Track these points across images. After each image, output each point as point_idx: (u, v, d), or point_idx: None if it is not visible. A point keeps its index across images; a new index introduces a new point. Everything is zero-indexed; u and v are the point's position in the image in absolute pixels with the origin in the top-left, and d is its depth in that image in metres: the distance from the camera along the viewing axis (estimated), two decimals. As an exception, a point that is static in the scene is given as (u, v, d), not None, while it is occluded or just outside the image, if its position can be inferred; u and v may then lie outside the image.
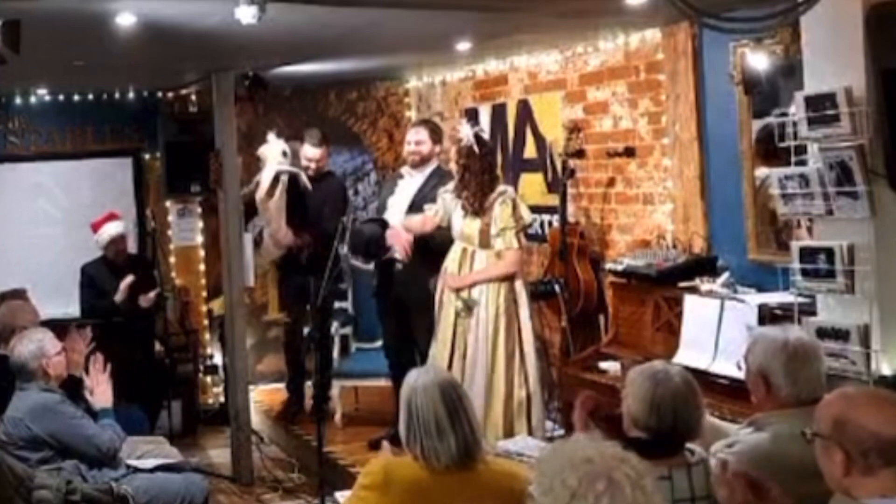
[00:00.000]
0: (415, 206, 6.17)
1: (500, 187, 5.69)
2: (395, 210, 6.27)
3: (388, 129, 8.73)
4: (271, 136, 6.57)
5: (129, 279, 6.94)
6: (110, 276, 7.08)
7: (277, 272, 7.59)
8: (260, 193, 6.59)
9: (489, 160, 5.72)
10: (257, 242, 6.94)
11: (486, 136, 5.91)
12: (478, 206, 5.58)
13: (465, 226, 5.65)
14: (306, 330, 7.12)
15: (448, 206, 5.80)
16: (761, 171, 5.08)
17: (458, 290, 5.62)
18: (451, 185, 5.83)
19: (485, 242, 5.58)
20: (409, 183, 6.30)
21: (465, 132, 5.68)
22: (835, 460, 2.42)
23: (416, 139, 6.28)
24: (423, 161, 6.21)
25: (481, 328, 5.57)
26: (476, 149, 5.61)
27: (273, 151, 6.45)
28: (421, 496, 3.08)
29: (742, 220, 5.30)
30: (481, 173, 5.61)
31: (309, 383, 7.07)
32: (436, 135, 6.32)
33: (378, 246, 6.12)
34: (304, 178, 6.57)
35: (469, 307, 5.56)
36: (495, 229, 5.54)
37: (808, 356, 3.20)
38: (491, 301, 5.57)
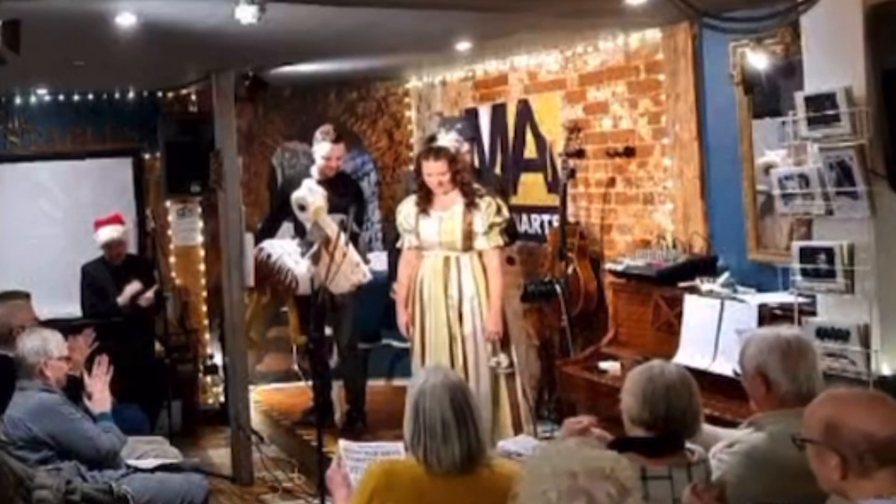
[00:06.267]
0: None
1: (478, 187, 5.69)
2: None
3: (388, 129, 8.72)
4: (307, 182, 6.41)
5: (134, 285, 6.96)
6: (109, 276, 7.10)
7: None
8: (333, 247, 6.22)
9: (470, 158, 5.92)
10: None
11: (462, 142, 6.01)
12: (471, 199, 5.52)
13: (443, 232, 5.54)
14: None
15: (409, 222, 5.67)
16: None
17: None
18: (409, 199, 5.70)
19: (468, 245, 5.53)
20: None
21: (448, 139, 5.76)
22: (830, 465, 2.40)
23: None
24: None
25: (479, 333, 5.55)
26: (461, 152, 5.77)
27: (319, 200, 6.29)
28: (421, 500, 3.06)
29: (742, 220, 5.30)
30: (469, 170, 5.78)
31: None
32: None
33: None
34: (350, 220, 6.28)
35: (511, 363, 5.60)
36: (482, 226, 5.49)
37: (803, 350, 3.21)
38: (482, 296, 5.55)
